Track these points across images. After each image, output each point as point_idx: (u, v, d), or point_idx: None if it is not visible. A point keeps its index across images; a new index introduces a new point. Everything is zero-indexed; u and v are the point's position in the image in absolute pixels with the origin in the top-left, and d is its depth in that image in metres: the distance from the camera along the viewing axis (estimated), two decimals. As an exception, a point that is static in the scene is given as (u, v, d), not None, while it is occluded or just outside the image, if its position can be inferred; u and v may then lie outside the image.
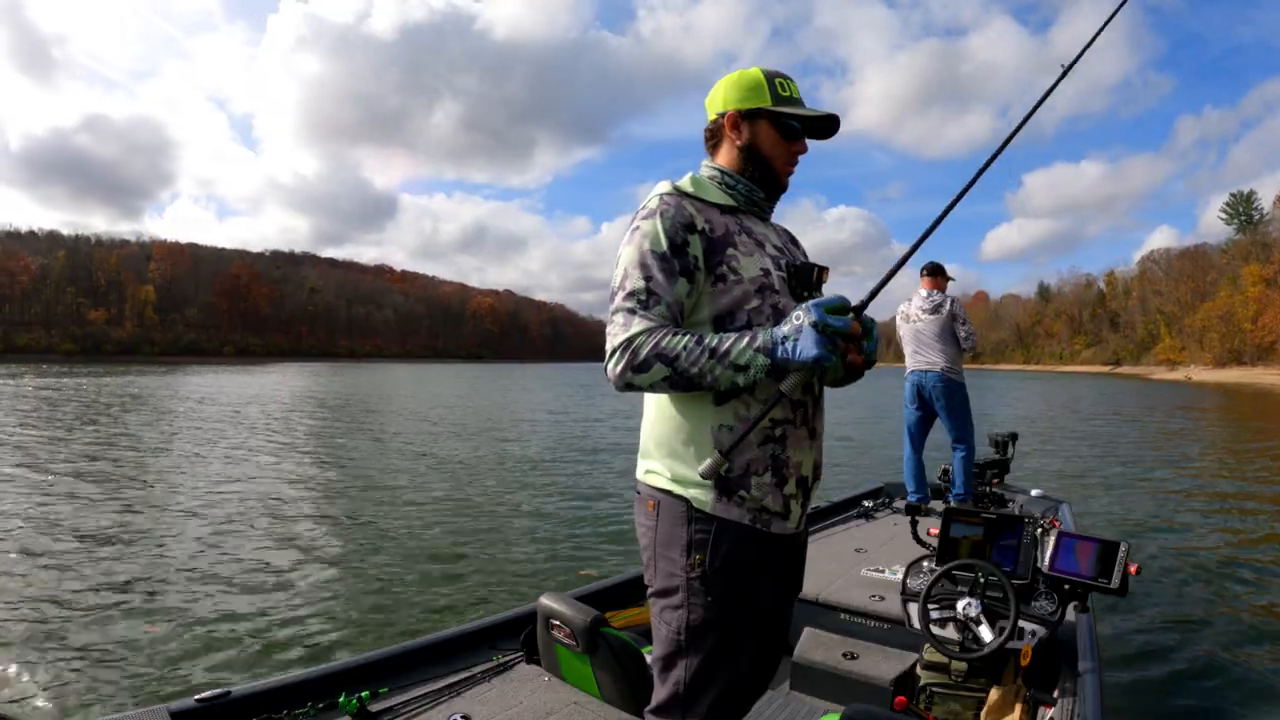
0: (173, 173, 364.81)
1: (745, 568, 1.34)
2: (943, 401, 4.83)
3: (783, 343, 1.24)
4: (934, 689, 2.34)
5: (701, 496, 1.33)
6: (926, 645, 2.38)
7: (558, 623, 2.08)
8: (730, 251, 1.36)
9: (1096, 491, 8.77)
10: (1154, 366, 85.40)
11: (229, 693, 1.88)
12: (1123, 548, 2.35)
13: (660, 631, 1.38)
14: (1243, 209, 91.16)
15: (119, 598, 4.50)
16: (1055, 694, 2.26)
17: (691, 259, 1.33)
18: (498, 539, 6.21)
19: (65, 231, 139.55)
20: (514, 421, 18.14)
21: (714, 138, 1.49)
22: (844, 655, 2.49)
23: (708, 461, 1.29)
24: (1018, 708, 2.17)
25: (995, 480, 5.32)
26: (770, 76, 1.44)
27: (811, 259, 1.50)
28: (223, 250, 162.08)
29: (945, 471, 4.94)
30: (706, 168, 1.49)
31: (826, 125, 1.46)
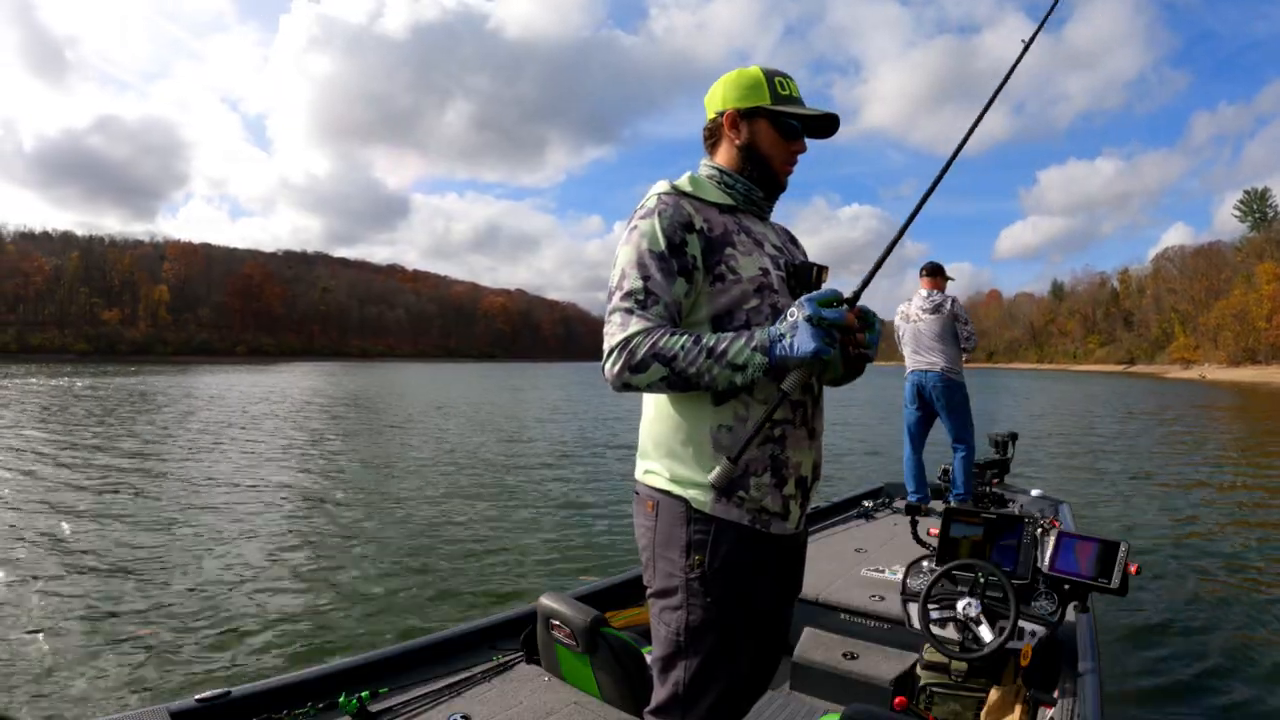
0: (186, 173, 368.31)
1: (745, 568, 1.34)
2: (943, 401, 4.83)
3: (779, 340, 1.24)
4: (934, 689, 2.33)
5: (700, 497, 1.32)
6: (926, 645, 2.38)
7: (558, 623, 2.08)
8: (729, 251, 1.35)
9: (1096, 491, 8.71)
10: (1168, 365, 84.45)
11: (229, 693, 1.89)
12: (1123, 548, 2.34)
13: (660, 632, 1.38)
14: (1257, 206, 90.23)
15: (120, 597, 4.53)
16: (1055, 694, 2.26)
17: (690, 259, 1.32)
18: (498, 539, 6.22)
19: (79, 232, 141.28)
20: (521, 421, 18.16)
21: (713, 137, 1.48)
22: (844, 655, 2.49)
23: (717, 470, 1.28)
24: (1018, 708, 2.16)
25: (995, 480, 5.30)
26: (769, 75, 1.44)
27: (825, 257, 1.51)
28: (235, 250, 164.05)
29: (945, 471, 4.93)
30: (705, 167, 1.48)
31: (826, 124, 1.45)
